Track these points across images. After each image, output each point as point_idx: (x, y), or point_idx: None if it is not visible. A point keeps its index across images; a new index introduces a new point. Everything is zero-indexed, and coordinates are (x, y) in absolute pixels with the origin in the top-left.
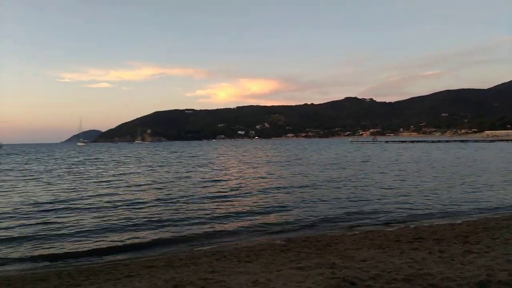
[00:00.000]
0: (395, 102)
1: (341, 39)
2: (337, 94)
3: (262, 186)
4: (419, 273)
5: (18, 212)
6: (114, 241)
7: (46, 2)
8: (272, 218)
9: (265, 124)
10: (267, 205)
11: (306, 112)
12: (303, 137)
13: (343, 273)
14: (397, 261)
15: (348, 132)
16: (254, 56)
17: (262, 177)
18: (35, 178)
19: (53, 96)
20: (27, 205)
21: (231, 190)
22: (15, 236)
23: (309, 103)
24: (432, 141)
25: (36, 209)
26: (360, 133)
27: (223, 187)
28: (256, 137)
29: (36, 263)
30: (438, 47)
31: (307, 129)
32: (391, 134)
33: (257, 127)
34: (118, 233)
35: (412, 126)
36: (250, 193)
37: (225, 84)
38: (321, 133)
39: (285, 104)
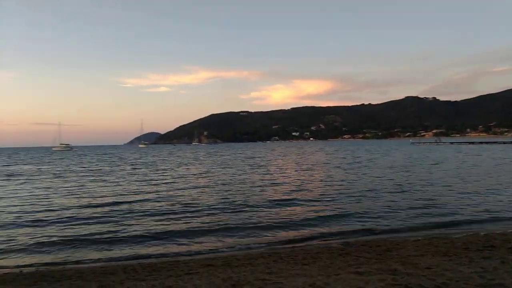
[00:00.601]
0: (461, 101)
1: (401, 36)
2: (397, 94)
3: (321, 189)
4: (490, 283)
5: (90, 211)
6: (176, 243)
7: (109, 16)
8: (330, 222)
9: (321, 125)
10: (325, 209)
11: (363, 112)
12: (360, 138)
13: (406, 280)
14: (466, 270)
15: (408, 133)
16: (309, 57)
17: (320, 180)
18: (104, 180)
19: (116, 101)
20: (94, 205)
21: (289, 193)
22: (82, 233)
23: (366, 103)
24: (504, 142)
25: (102, 209)
26: (422, 134)
27: (281, 190)
28: (311, 139)
29: (103, 259)
30: (510, 40)
31: (364, 130)
32: (456, 135)
33: (312, 128)
34: (178, 236)
35: (480, 126)
36: (307, 196)
37: (279, 86)
38: (379, 134)
39: (341, 105)
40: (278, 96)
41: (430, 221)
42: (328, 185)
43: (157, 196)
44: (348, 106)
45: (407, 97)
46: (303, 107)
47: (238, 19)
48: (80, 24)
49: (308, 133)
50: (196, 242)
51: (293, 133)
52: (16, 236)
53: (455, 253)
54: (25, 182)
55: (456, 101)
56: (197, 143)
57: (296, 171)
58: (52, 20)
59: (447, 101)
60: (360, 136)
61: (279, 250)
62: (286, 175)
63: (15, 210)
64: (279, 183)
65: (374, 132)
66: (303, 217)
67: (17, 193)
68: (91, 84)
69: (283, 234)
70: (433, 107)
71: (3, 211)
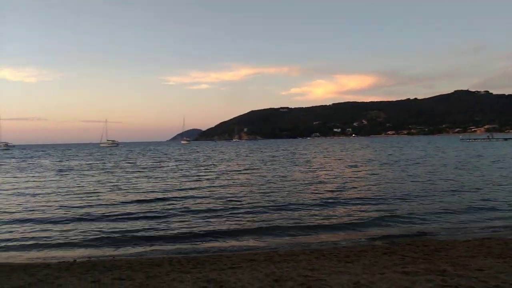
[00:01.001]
0: None
1: (448, 28)
2: (444, 88)
3: (366, 188)
4: None
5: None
6: (218, 240)
7: (153, 17)
8: (376, 224)
9: (363, 121)
10: (371, 210)
11: (409, 107)
12: (405, 134)
13: (456, 282)
14: None
15: (457, 129)
16: (350, 51)
17: (365, 178)
18: (148, 176)
19: (160, 98)
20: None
21: (333, 191)
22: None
23: (411, 97)
24: None
25: (147, 205)
26: (473, 129)
27: (325, 188)
28: (353, 135)
29: (147, 250)
30: None
31: (409, 126)
32: (511, 130)
33: (354, 124)
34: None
35: None
36: (352, 195)
37: (320, 81)
38: (426, 130)
39: (385, 100)
40: (319, 91)
41: (488, 225)
42: (374, 184)
43: (200, 192)
44: (392, 101)
45: (456, 91)
46: (345, 102)
47: (277, 15)
48: (125, 26)
49: (350, 129)
50: (238, 240)
51: (335, 129)
52: (67, 230)
53: (510, 255)
54: (75, 177)
55: (511, 95)
56: (237, 140)
57: (339, 168)
58: (97, 23)
59: (501, 94)
60: (405, 132)
61: (321, 247)
62: (329, 172)
63: (66, 205)
64: (322, 181)
65: (420, 128)
66: (347, 218)
67: (67, 188)
68: (136, 83)
69: (326, 236)
70: (485, 101)
71: (54, 206)
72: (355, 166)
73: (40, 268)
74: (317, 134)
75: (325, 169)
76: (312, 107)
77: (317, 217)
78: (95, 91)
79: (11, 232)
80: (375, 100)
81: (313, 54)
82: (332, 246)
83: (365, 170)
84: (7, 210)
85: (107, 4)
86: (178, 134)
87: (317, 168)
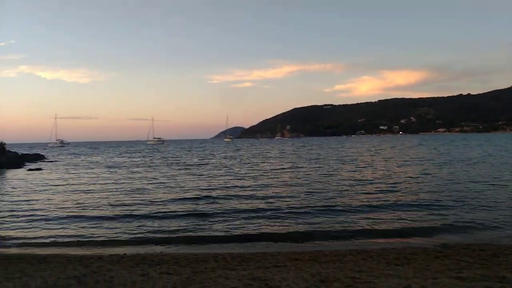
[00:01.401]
0: None
1: (504, 19)
2: (501, 82)
3: (418, 190)
4: None
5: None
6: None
7: (197, 16)
8: (430, 226)
9: (411, 118)
10: (423, 216)
11: (461, 103)
12: (457, 132)
13: None
14: None
15: None
16: (398, 46)
17: (416, 179)
18: (193, 173)
19: (204, 97)
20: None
21: (381, 193)
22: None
23: (464, 93)
24: None
25: (192, 202)
26: None
27: (371, 189)
28: (401, 132)
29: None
30: None
31: (462, 123)
32: None
33: (401, 121)
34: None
35: None
36: (402, 198)
37: (366, 77)
38: (480, 127)
39: (435, 96)
40: (364, 88)
41: None
42: (427, 185)
43: (244, 191)
44: (443, 97)
45: None
46: (392, 99)
47: (320, 9)
48: (169, 28)
49: (397, 126)
50: (281, 240)
51: (381, 127)
52: (117, 227)
53: None
54: (124, 173)
55: None
56: (279, 137)
57: (388, 167)
58: (143, 27)
59: None
60: (457, 129)
61: (369, 248)
62: (377, 171)
63: (115, 201)
64: (370, 181)
65: (474, 125)
66: (398, 223)
67: (117, 184)
68: (181, 82)
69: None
70: None
71: (104, 202)
72: (406, 165)
73: (93, 260)
74: (362, 131)
75: (372, 168)
76: (357, 104)
77: (364, 220)
78: (142, 91)
79: (64, 228)
80: (424, 96)
81: (359, 49)
82: (380, 247)
83: (416, 170)
84: (62, 206)
85: (151, 8)
86: (222, 132)
87: (364, 167)
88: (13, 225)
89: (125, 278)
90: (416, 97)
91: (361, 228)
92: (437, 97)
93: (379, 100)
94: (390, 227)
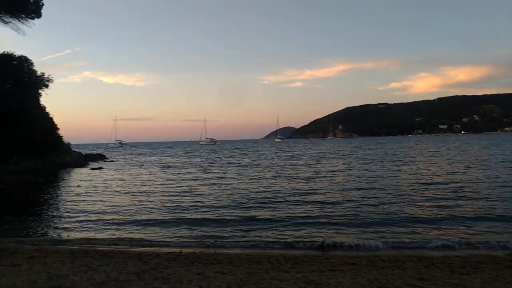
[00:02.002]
0: None
1: None
2: None
3: (488, 195)
4: None
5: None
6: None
7: (248, 16)
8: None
9: (474, 116)
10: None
11: None
12: None
13: None
14: None
15: None
16: (459, 40)
17: (482, 182)
18: (244, 173)
19: (255, 97)
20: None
21: (445, 200)
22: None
23: None
24: None
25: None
26: None
27: (435, 194)
28: (463, 132)
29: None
30: None
31: None
32: None
33: (463, 120)
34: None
35: None
36: (470, 204)
37: (424, 74)
38: None
39: (502, 92)
40: (422, 85)
41: None
42: (499, 191)
43: (297, 192)
44: (509, 94)
45: None
46: (452, 96)
47: (373, 4)
48: (219, 30)
49: (458, 125)
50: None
51: (440, 126)
52: (172, 227)
53: None
54: (177, 173)
55: None
56: (332, 138)
57: (453, 169)
58: (193, 32)
59: None
60: None
61: (430, 254)
62: (440, 175)
63: (167, 203)
64: (431, 184)
65: None
66: (460, 231)
67: (169, 185)
68: (233, 83)
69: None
70: None
71: (156, 204)
72: (472, 168)
73: (151, 257)
74: (420, 131)
75: (435, 170)
76: (414, 102)
77: (422, 229)
78: (195, 92)
79: (118, 229)
80: (489, 93)
81: (416, 45)
82: (442, 255)
83: (485, 174)
84: (119, 206)
85: (202, 12)
86: (272, 132)
87: (425, 169)
88: (76, 223)
89: (181, 275)
90: (480, 94)
91: (420, 237)
92: (504, 94)
93: (438, 98)
94: (453, 234)
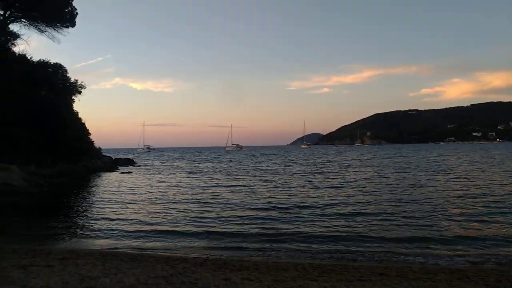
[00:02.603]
0: None
1: None
2: None
3: None
4: None
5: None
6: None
7: (275, 22)
8: None
9: (510, 123)
10: None
11: None
12: None
13: None
14: None
15: None
16: (494, 44)
17: None
18: (268, 180)
19: (281, 103)
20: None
21: (487, 212)
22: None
23: None
24: None
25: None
26: None
27: (474, 199)
28: (498, 140)
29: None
30: None
31: None
32: None
33: (498, 127)
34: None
35: None
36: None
37: (456, 80)
38: None
39: None
40: (454, 91)
41: None
42: None
43: (327, 202)
44: None
45: None
46: (487, 103)
47: (403, 11)
48: (245, 36)
49: (493, 133)
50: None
51: (474, 133)
52: (196, 235)
53: None
54: (203, 179)
55: None
56: (359, 144)
57: (490, 181)
58: (219, 38)
59: None
60: None
61: (462, 267)
62: (478, 185)
63: (191, 212)
64: (469, 196)
65: None
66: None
67: (194, 192)
68: (260, 89)
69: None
70: None
71: (180, 211)
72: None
73: (179, 262)
74: (452, 138)
75: (472, 180)
76: (446, 108)
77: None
78: (222, 98)
79: (149, 239)
80: None
81: (448, 49)
82: (477, 268)
83: None
84: (145, 212)
85: (228, 18)
86: (299, 139)
87: (463, 178)
88: (104, 228)
89: (208, 281)
90: None
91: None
92: None
93: (471, 104)
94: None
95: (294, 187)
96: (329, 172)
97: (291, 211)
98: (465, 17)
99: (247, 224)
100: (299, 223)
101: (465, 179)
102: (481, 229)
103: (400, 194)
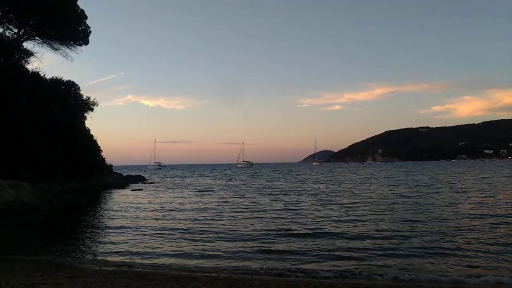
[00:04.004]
0: None
1: None
2: None
3: None
4: None
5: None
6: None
7: (287, 39)
8: None
9: None
10: None
11: None
12: None
13: None
14: None
15: None
16: (505, 62)
17: None
18: (281, 200)
19: (292, 121)
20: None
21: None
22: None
23: None
24: None
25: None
26: None
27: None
28: (510, 157)
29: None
30: None
31: None
32: None
33: (510, 145)
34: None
35: None
36: None
37: (467, 97)
38: None
39: None
40: (466, 109)
41: None
42: None
43: (345, 225)
44: None
45: None
46: (498, 120)
47: (414, 29)
48: (260, 51)
49: (505, 150)
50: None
51: (486, 151)
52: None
53: None
54: (212, 198)
55: None
56: (371, 161)
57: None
58: (232, 54)
59: None
60: None
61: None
62: (496, 204)
63: (196, 233)
64: (487, 216)
65: None
66: None
67: (204, 211)
68: (271, 106)
69: None
70: None
71: (187, 233)
72: None
73: (189, 280)
74: (464, 156)
75: (490, 199)
76: (457, 126)
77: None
78: (234, 115)
79: (159, 258)
80: None
81: (459, 68)
82: None
83: None
84: (155, 233)
85: (239, 36)
86: (310, 156)
87: (483, 195)
88: (115, 247)
89: None
90: None
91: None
92: None
93: (483, 122)
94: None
95: (305, 209)
96: (344, 190)
97: (302, 232)
98: (474, 36)
99: (248, 247)
100: (312, 242)
101: (485, 198)
102: None
103: (422, 217)
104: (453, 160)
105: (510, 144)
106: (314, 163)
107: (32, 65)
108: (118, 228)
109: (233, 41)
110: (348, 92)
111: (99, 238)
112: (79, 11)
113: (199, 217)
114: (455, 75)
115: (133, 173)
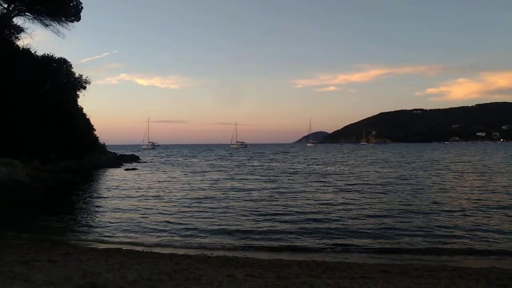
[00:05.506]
0: None
1: None
2: None
3: None
4: None
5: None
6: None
7: (283, 21)
8: None
9: None
10: None
11: None
12: None
13: None
14: None
15: None
16: (500, 45)
17: None
18: (275, 180)
19: (287, 101)
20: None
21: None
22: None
23: None
24: None
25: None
26: None
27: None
28: (502, 140)
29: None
30: None
31: None
32: None
33: (503, 127)
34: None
35: None
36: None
37: (462, 80)
38: None
39: None
40: (460, 91)
41: None
42: None
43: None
44: None
45: None
46: (491, 103)
47: (411, 10)
48: (254, 33)
49: (497, 133)
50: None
51: (478, 133)
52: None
53: None
54: (205, 177)
55: None
56: (365, 143)
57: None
58: (227, 36)
59: None
60: None
61: (465, 265)
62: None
63: (191, 210)
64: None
65: None
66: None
67: (197, 190)
68: (266, 87)
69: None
70: None
71: (183, 211)
72: None
73: (183, 258)
74: (456, 138)
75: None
76: (451, 108)
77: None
78: (228, 95)
79: (154, 235)
80: None
81: (455, 50)
82: (479, 266)
83: None
84: (150, 209)
85: (233, 18)
86: (304, 137)
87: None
88: (109, 224)
89: (212, 277)
90: None
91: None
92: None
93: (476, 104)
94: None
95: (300, 192)
96: (340, 173)
97: (295, 214)
98: (471, 18)
99: (259, 221)
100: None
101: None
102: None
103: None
104: (446, 142)
105: (502, 127)
106: (309, 144)
107: (22, 42)
108: (112, 207)
109: (228, 23)
110: (344, 73)
111: (93, 216)
112: None
113: (192, 196)
114: (451, 57)
115: (126, 153)
